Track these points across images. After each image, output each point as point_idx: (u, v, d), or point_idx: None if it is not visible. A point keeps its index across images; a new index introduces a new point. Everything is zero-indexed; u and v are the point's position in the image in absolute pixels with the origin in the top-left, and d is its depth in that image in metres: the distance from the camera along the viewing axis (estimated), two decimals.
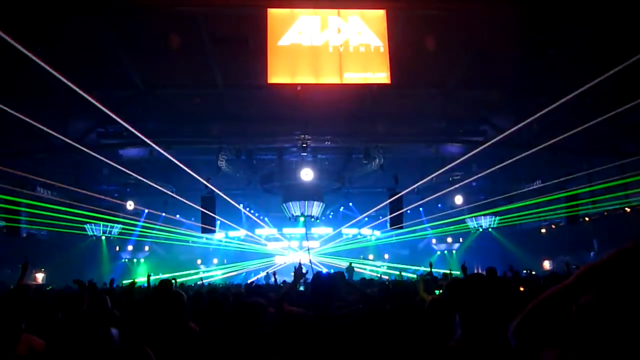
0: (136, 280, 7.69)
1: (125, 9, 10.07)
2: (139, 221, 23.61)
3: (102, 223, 22.52)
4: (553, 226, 23.60)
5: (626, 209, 19.59)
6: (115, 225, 23.21)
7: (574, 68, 12.37)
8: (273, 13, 10.26)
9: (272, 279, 10.74)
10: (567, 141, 13.31)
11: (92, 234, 23.13)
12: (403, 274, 18.84)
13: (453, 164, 15.93)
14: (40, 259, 21.65)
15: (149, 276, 7.98)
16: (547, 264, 23.46)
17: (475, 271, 22.50)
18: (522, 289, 6.29)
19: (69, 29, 10.64)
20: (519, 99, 14.53)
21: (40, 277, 22.88)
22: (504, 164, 15.52)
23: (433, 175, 17.43)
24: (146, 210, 22.41)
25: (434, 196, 20.14)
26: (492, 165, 16.07)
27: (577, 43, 11.40)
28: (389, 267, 27.08)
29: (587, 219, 21.15)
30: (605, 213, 20.52)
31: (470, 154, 14.82)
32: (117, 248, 26.68)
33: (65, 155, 15.93)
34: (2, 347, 2.65)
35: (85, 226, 22.37)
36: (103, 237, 24.01)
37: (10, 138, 14.11)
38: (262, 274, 25.12)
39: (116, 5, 9.96)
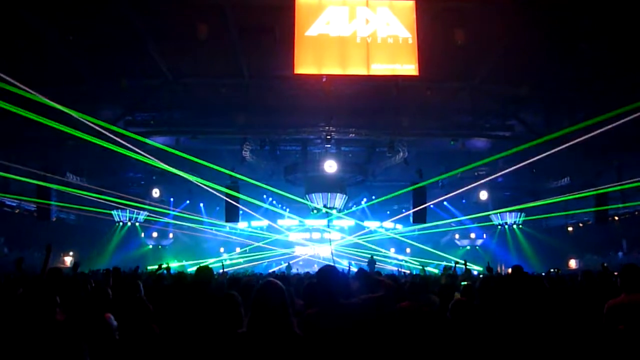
0: (162, 265, 7.70)
1: None
2: (166, 209, 24.00)
3: (128, 210, 22.95)
4: (580, 224, 23.09)
5: None
6: (142, 212, 23.62)
7: (605, 62, 12.03)
8: (301, 3, 10.22)
9: (292, 270, 10.80)
10: (597, 138, 12.98)
11: (119, 219, 23.61)
12: (426, 268, 18.73)
13: (481, 161, 15.66)
14: (69, 242, 22.23)
15: (160, 266, 7.83)
16: (573, 263, 22.99)
17: (499, 269, 22.23)
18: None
19: (99, 19, 10.81)
20: (549, 94, 14.21)
21: (68, 260, 23.49)
22: (530, 160, 15.21)
23: (458, 170, 17.21)
24: (172, 199, 22.76)
25: (458, 191, 19.89)
26: (519, 161, 15.77)
27: (608, 37, 11.04)
28: (410, 261, 26.93)
29: (616, 218, 20.62)
30: (637, 212, 19.96)
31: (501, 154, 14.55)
32: (142, 234, 27.18)
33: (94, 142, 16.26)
34: (43, 315, 3.17)
35: (112, 212, 22.84)
36: (129, 223, 24.50)
37: (41, 125, 14.48)
38: (284, 265, 25.28)
39: None
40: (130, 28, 11.09)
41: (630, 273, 3.90)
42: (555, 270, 9.45)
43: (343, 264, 20.80)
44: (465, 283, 5.55)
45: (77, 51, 12.22)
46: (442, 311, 4.36)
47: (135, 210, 23.42)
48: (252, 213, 24.09)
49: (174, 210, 24.35)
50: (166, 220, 24.95)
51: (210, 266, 4.96)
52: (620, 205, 20.08)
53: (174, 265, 23.47)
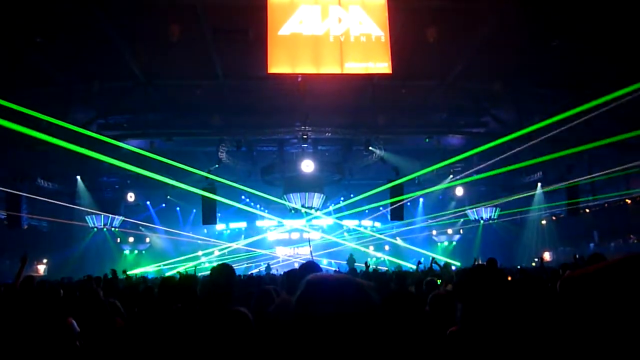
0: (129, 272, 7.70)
1: None
2: (140, 213, 23.65)
3: (102, 214, 22.52)
4: (554, 217, 23.60)
5: (627, 200, 19.58)
6: (117, 217, 23.22)
7: (576, 59, 12.31)
8: (273, 2, 10.18)
9: (272, 271, 10.79)
10: (568, 133, 13.30)
11: (93, 225, 23.15)
12: (403, 263, 18.88)
13: (455, 158, 15.90)
14: (41, 250, 21.71)
15: (124, 271, 7.98)
16: (547, 255, 23.48)
17: (475, 263, 22.60)
18: (509, 278, 6.31)
19: (69, 20, 10.58)
20: (521, 90, 14.49)
21: (42, 268, 22.94)
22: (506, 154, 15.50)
23: (434, 167, 17.39)
24: (148, 202, 22.44)
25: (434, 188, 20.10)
26: (493, 157, 16.06)
27: (579, 34, 11.30)
28: (388, 258, 27.13)
29: (587, 210, 21.15)
30: (606, 205, 20.51)
31: (475, 150, 14.79)
32: (119, 240, 26.72)
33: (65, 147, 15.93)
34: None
35: (86, 217, 22.39)
36: (104, 229, 24.05)
37: (11, 130, 14.10)
38: (263, 267, 25.17)
39: None
40: (101, 29, 10.88)
41: (595, 260, 4.17)
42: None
43: (322, 263, 20.77)
44: (429, 279, 5.68)
45: (47, 53, 11.94)
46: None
47: (110, 215, 23.01)
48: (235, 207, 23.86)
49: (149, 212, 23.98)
50: (142, 223, 24.57)
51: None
52: (591, 198, 20.61)
53: (151, 269, 23.20)
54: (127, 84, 13.63)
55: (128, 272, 10.43)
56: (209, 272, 3.88)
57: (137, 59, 12.52)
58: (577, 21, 10.76)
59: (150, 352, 3.34)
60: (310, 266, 3.55)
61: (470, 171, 19.05)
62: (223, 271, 3.61)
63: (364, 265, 11.17)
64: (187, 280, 4.44)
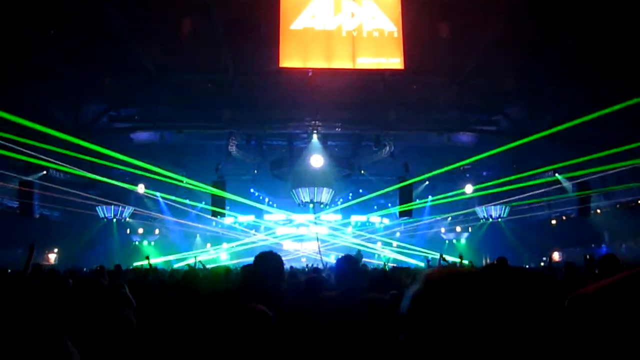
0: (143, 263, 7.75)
1: None
2: (150, 204, 23.81)
3: (113, 205, 22.71)
4: (564, 217, 23.41)
5: (638, 201, 19.37)
6: (127, 207, 23.39)
7: (590, 59, 12.15)
8: None
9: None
10: (580, 132, 13.15)
11: (103, 216, 23.35)
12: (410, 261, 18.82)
13: (468, 160, 15.75)
14: (52, 240, 21.94)
15: (147, 258, 8.09)
16: (556, 255, 23.32)
17: (484, 262, 22.45)
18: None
19: (82, 14, 10.62)
20: (534, 89, 14.34)
21: (52, 257, 23.22)
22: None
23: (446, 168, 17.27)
24: (158, 194, 22.55)
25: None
26: (504, 156, 15.92)
27: (592, 34, 11.15)
28: (395, 254, 27.11)
29: (598, 211, 20.95)
30: (618, 205, 20.30)
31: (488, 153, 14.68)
32: (128, 230, 26.93)
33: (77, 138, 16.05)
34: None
35: (97, 208, 22.59)
36: (114, 220, 24.25)
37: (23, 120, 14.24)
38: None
39: None
40: (113, 24, 10.91)
41: (607, 262, 4.12)
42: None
43: (330, 259, 20.79)
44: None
45: (58, 47, 12.00)
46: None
47: (121, 206, 23.18)
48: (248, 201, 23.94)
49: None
50: (153, 214, 24.72)
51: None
52: (602, 199, 20.41)
53: (159, 260, 23.36)
54: (139, 77, 13.67)
55: (137, 264, 10.51)
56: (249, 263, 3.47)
57: (149, 54, 12.54)
58: (591, 21, 10.61)
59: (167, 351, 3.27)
60: (314, 282, 3.56)
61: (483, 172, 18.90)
62: (270, 261, 3.04)
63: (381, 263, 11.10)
64: (219, 272, 4.12)
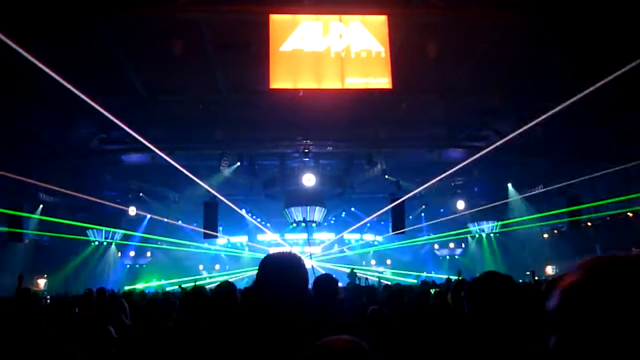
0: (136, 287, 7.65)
1: (128, 14, 10.11)
2: (140, 227, 23.61)
3: (104, 229, 22.51)
4: (555, 231, 23.52)
5: (628, 214, 19.53)
6: (118, 231, 23.20)
7: (577, 74, 12.36)
8: (275, 19, 10.28)
9: None
10: (569, 146, 13.30)
11: (94, 239, 23.12)
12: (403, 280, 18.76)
13: (453, 169, 15.89)
14: (42, 265, 21.64)
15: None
16: (549, 269, 23.37)
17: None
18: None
19: (72, 34, 10.67)
20: (522, 104, 14.53)
21: (42, 283, 22.86)
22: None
23: (433, 181, 17.35)
24: (148, 216, 22.41)
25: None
26: (494, 171, 16.07)
27: (580, 49, 11.37)
28: (392, 273, 27.02)
29: (589, 224, 21.08)
30: (608, 218, 20.45)
31: (473, 157, 14.80)
32: (119, 254, 26.66)
33: (67, 161, 15.98)
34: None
35: (87, 232, 22.38)
36: (105, 243, 24.01)
37: (12, 143, 14.15)
38: None
39: (119, 10, 9.99)
40: (104, 45, 10.96)
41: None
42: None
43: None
44: (436, 290, 5.73)
45: (49, 67, 11.99)
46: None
47: (112, 230, 22.99)
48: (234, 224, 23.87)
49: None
50: (143, 237, 24.48)
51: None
52: (593, 212, 20.54)
53: (153, 284, 23.09)
54: (129, 99, 13.67)
55: (128, 288, 10.37)
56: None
57: (140, 75, 12.58)
58: (578, 37, 10.83)
59: None
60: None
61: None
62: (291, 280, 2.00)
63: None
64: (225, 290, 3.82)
